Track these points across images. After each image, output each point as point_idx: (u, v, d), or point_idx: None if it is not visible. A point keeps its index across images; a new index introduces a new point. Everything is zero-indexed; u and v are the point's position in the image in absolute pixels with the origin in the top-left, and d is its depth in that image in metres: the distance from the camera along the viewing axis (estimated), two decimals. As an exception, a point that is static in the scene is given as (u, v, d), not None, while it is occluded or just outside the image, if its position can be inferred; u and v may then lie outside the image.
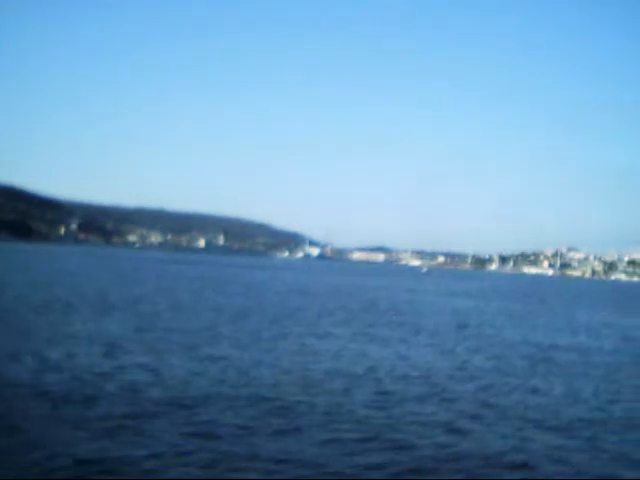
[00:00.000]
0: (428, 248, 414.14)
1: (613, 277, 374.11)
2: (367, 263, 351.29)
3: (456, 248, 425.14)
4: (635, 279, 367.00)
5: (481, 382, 22.65)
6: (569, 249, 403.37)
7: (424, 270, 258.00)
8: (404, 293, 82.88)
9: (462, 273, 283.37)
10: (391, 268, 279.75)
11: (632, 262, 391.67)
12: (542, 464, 13.78)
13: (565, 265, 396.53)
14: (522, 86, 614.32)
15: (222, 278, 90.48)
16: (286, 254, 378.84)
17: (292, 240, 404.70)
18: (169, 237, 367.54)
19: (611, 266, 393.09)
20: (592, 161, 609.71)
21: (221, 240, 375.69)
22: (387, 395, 19.35)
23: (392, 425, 15.97)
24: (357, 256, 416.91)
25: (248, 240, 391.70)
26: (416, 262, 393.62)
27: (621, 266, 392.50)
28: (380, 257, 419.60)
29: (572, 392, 21.91)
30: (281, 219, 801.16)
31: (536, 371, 25.84)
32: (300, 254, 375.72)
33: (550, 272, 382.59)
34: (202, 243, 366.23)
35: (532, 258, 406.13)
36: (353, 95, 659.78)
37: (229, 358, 23.82)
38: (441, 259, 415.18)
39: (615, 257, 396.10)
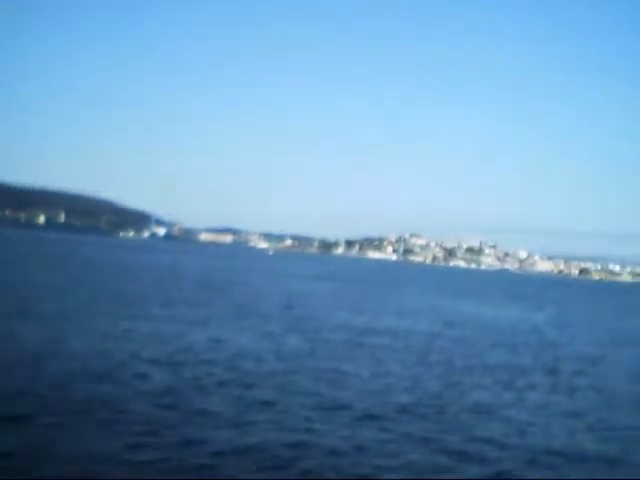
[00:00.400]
0: (276, 230, 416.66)
1: (452, 263, 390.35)
2: (215, 244, 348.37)
3: (304, 231, 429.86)
4: (473, 265, 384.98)
5: (280, 366, 22.50)
6: (412, 235, 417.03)
7: (270, 253, 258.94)
8: (242, 274, 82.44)
9: (308, 256, 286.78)
10: (237, 250, 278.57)
11: (470, 249, 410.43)
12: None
13: (408, 251, 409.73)
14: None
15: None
16: (131, 233, 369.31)
17: (138, 219, 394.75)
18: (7, 212, 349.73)
19: (451, 252, 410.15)
20: (437, 150, 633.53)
21: (62, 217, 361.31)
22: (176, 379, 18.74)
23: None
24: (205, 237, 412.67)
25: (91, 218, 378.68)
26: (264, 244, 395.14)
27: (460, 253, 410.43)
28: (228, 238, 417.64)
29: (354, 374, 22.22)
30: (127, 197, 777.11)
31: (341, 354, 26.14)
32: (146, 234, 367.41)
33: (393, 257, 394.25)
34: (42, 220, 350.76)
35: (377, 243, 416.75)
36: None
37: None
38: (289, 242, 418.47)
39: (455, 244, 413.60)
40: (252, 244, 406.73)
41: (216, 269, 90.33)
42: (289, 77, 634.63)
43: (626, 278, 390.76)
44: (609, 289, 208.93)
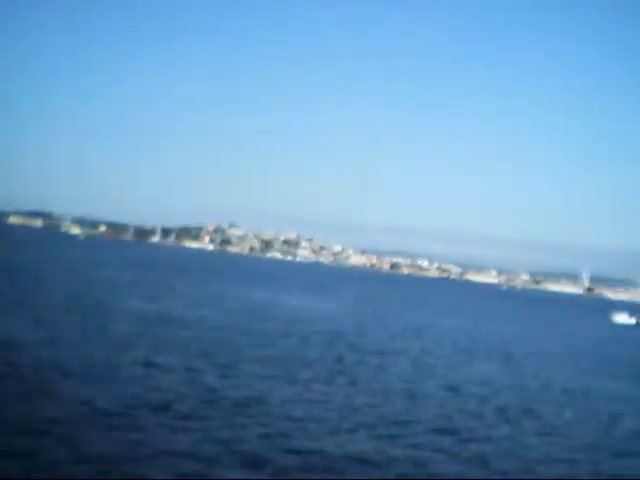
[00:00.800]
0: (91, 216, 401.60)
1: (269, 255, 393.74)
2: (22, 228, 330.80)
3: (119, 218, 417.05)
4: (289, 257, 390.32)
5: None
6: (230, 225, 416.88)
7: (81, 239, 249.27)
8: None
9: (119, 244, 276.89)
10: (44, 235, 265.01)
11: (287, 241, 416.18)
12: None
13: (225, 241, 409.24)
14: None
15: None
16: None
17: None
18: None
19: (268, 244, 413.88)
20: (258, 143, 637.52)
21: None
22: None
23: None
24: (14, 220, 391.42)
25: None
26: (76, 230, 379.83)
27: (277, 245, 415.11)
28: (39, 222, 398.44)
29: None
30: None
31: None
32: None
33: (211, 247, 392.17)
34: None
35: (194, 232, 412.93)
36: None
37: None
38: (102, 228, 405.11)
39: (272, 236, 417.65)
40: (64, 229, 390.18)
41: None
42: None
43: (433, 273, 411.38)
44: (415, 283, 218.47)
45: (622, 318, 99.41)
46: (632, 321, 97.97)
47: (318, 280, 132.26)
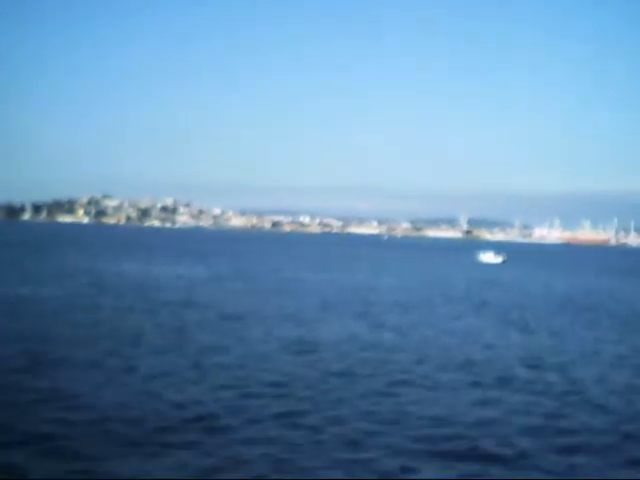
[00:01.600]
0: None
1: (147, 223, 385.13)
2: None
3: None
4: (168, 225, 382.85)
5: None
6: (104, 196, 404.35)
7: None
8: None
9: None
10: None
11: (164, 208, 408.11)
12: None
13: (101, 213, 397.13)
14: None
15: None
16: None
17: None
18: None
19: (145, 213, 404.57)
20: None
21: None
22: None
23: None
24: None
25: None
26: None
27: (154, 213, 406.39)
28: None
29: None
30: None
31: None
32: None
33: (86, 220, 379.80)
34: None
35: (67, 206, 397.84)
36: None
37: None
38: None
39: (149, 204, 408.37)
40: None
41: None
42: None
43: (315, 229, 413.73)
44: (296, 240, 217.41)
45: (488, 257, 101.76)
46: (498, 259, 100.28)
47: (189, 245, 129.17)
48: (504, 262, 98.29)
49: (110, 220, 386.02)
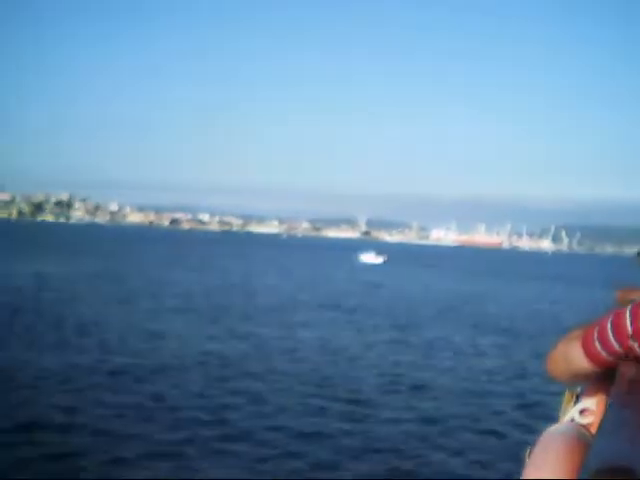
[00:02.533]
0: None
1: (40, 218, 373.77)
2: None
3: None
4: (62, 220, 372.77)
5: None
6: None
7: None
8: None
9: None
10: None
11: (59, 203, 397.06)
12: None
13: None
14: None
15: None
16: None
17: None
18: None
19: (38, 207, 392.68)
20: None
21: None
22: None
23: None
24: None
25: None
26: None
27: (48, 207, 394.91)
28: None
29: None
30: None
31: None
32: None
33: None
34: None
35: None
36: None
37: None
38: None
39: (42, 198, 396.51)
40: None
41: None
42: None
43: (214, 227, 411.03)
44: (193, 238, 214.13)
45: (368, 258, 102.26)
46: (379, 260, 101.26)
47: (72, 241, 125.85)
48: (385, 263, 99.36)
49: (1, 215, 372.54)
